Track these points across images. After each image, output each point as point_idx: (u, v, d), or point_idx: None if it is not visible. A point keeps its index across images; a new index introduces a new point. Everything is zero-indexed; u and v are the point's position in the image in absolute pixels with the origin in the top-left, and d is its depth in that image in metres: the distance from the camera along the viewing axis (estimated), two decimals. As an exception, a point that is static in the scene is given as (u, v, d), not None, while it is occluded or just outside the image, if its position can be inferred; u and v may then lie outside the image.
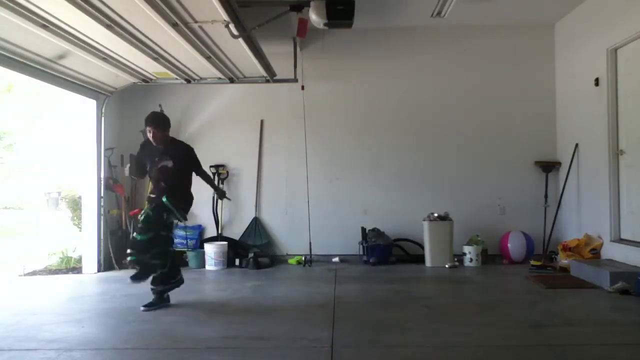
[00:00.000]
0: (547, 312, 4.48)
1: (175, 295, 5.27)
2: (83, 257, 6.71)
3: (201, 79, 6.50)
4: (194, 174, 4.93)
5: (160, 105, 7.13)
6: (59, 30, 4.36)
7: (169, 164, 4.67)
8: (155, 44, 4.93)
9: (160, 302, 4.67)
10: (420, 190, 7.26)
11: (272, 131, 7.42)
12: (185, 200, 4.82)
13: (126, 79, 6.39)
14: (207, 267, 6.76)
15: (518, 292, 5.29)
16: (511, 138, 7.24)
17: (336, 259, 7.12)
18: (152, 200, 4.71)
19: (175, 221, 4.91)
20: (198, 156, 4.94)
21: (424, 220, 6.77)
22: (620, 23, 5.61)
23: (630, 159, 5.67)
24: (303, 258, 6.97)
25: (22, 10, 3.88)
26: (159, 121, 4.72)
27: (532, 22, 7.15)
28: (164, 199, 4.57)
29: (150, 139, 4.69)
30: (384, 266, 6.70)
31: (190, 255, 6.92)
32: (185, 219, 4.96)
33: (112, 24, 4.22)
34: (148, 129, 4.66)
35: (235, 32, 4.48)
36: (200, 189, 7.33)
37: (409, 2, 6.33)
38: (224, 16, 4.13)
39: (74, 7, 3.76)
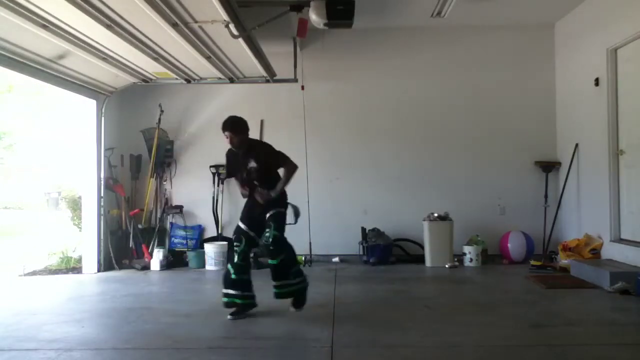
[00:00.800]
0: (547, 312, 4.48)
1: (175, 295, 5.29)
2: (83, 257, 6.71)
3: (201, 79, 6.50)
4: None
5: (160, 105, 7.15)
6: (59, 30, 4.36)
7: (254, 165, 4.44)
8: (155, 44, 4.93)
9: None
10: (420, 190, 7.25)
11: (272, 131, 7.40)
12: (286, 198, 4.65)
13: (126, 79, 6.39)
14: (207, 267, 6.76)
15: (518, 292, 5.28)
16: (511, 138, 7.24)
17: (336, 259, 7.12)
18: (257, 210, 4.47)
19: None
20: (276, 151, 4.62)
21: (424, 220, 6.77)
22: (620, 23, 5.61)
23: (630, 159, 5.67)
24: (303, 258, 6.96)
25: (22, 10, 3.88)
26: (234, 126, 4.44)
27: (532, 22, 7.15)
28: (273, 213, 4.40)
29: (229, 144, 4.46)
30: (384, 266, 6.70)
31: (191, 255, 6.92)
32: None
33: (112, 24, 4.22)
34: (225, 134, 4.41)
35: (235, 32, 4.48)
36: (200, 189, 7.42)
37: (409, 2, 6.33)
38: (224, 16, 4.13)
39: (74, 7, 3.76)
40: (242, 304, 4.32)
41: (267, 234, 4.35)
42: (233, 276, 4.33)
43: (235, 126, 4.43)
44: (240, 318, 4.25)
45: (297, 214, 4.79)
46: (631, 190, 5.67)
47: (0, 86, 14.99)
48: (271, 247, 4.33)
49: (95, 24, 4.14)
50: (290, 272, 4.39)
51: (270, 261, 4.40)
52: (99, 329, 4.15)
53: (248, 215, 4.52)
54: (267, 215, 4.42)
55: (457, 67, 7.30)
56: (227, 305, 4.31)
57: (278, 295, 4.40)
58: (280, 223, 4.49)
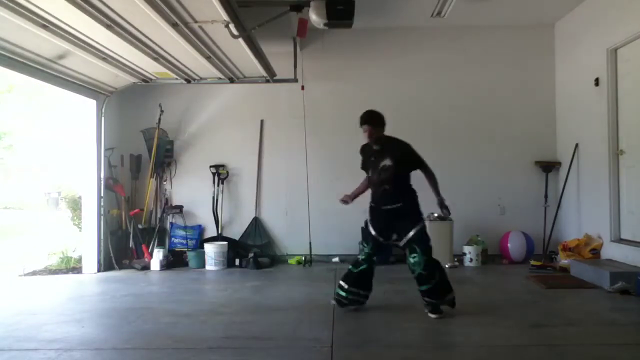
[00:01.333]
0: (547, 312, 4.48)
1: (175, 295, 5.29)
2: (83, 257, 6.71)
3: (201, 79, 6.50)
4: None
5: (160, 105, 7.15)
6: (59, 30, 4.36)
7: (389, 163, 4.32)
8: (155, 44, 4.93)
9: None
10: (420, 190, 7.20)
11: (272, 131, 7.41)
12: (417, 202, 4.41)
13: (126, 79, 6.39)
14: (207, 267, 6.76)
15: (518, 292, 5.28)
16: (511, 138, 7.24)
17: (336, 259, 7.12)
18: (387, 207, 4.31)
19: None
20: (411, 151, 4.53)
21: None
22: (620, 23, 5.61)
23: (630, 159, 5.67)
24: (303, 258, 6.97)
25: (22, 10, 3.88)
26: (372, 119, 4.42)
27: (532, 22, 7.15)
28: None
29: (367, 138, 4.41)
30: (384, 266, 6.68)
31: (191, 255, 6.92)
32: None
33: (112, 24, 4.22)
34: (363, 128, 4.37)
35: (235, 32, 4.48)
36: (200, 189, 7.42)
37: (408, 2, 6.33)
38: (224, 16, 4.13)
39: (74, 7, 3.76)
40: (348, 297, 4.36)
41: (414, 260, 4.13)
42: (351, 268, 4.42)
43: (374, 119, 4.39)
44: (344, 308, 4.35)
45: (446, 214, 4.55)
46: (631, 190, 5.67)
47: (1, 86, 14.99)
48: (423, 272, 4.14)
49: (95, 24, 4.14)
50: (447, 287, 4.23)
51: (421, 288, 4.19)
52: (99, 329, 4.15)
53: (377, 222, 4.38)
54: (410, 234, 4.18)
55: (457, 67, 7.30)
56: (337, 296, 4.40)
57: (436, 310, 4.19)
58: (426, 244, 4.23)
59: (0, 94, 15.48)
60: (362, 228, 4.49)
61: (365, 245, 4.40)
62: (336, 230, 7.20)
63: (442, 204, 4.38)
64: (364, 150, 4.58)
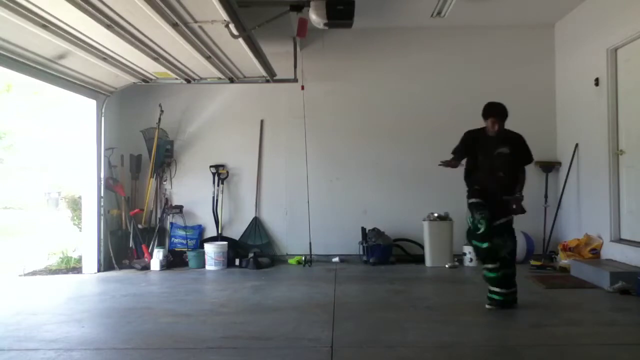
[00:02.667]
0: (547, 312, 4.48)
1: (175, 295, 5.28)
2: (83, 257, 6.71)
3: (201, 79, 6.50)
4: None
5: (160, 105, 7.15)
6: (59, 30, 4.35)
7: (506, 150, 4.55)
8: (155, 44, 4.92)
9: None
10: (420, 190, 7.25)
11: (272, 131, 7.42)
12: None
13: (126, 79, 6.39)
14: (207, 267, 6.76)
15: (518, 292, 5.27)
16: (511, 138, 7.23)
17: (336, 259, 7.12)
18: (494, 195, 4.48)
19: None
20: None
21: (424, 220, 6.77)
22: (620, 23, 5.61)
23: (630, 159, 5.67)
24: (303, 258, 6.97)
25: (22, 10, 3.88)
26: (502, 111, 4.59)
27: (532, 22, 7.15)
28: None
29: (490, 129, 4.56)
30: (384, 266, 6.70)
31: (190, 255, 6.91)
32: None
33: (112, 24, 4.22)
34: (491, 120, 4.53)
35: (235, 32, 4.48)
36: (200, 189, 7.42)
37: (408, 2, 6.33)
38: (224, 16, 4.13)
39: (74, 7, 3.76)
40: (501, 300, 4.40)
41: (506, 244, 4.42)
42: (484, 245, 4.42)
43: (503, 112, 4.56)
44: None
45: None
46: (631, 190, 5.67)
47: (1, 87, 14.99)
48: (508, 257, 4.41)
49: (95, 24, 4.14)
50: (514, 279, 4.47)
51: (501, 272, 4.39)
52: (99, 329, 4.15)
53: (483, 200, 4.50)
54: (504, 220, 4.47)
55: (457, 67, 7.30)
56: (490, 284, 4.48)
57: (504, 303, 4.40)
58: (514, 235, 4.55)
59: (0, 94, 15.46)
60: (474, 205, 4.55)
61: (483, 213, 4.42)
62: (336, 230, 7.20)
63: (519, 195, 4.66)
64: (470, 137, 4.72)
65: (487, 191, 4.53)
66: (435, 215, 6.74)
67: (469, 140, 4.69)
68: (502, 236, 4.42)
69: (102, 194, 6.67)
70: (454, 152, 4.70)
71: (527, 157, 4.74)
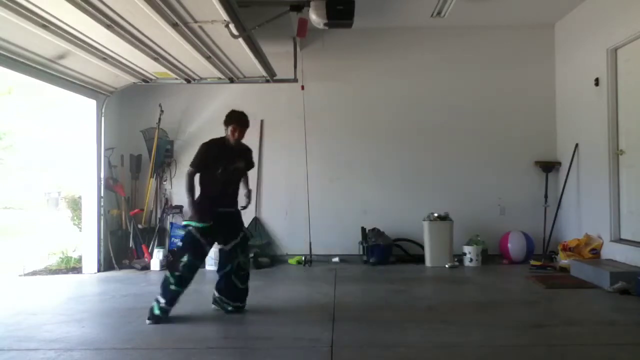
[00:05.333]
0: (547, 312, 4.48)
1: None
2: (83, 257, 6.71)
3: (201, 79, 6.50)
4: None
5: (160, 105, 7.15)
6: (59, 30, 4.36)
7: (241, 165, 4.51)
8: (155, 44, 4.93)
9: None
10: (420, 190, 7.26)
11: (272, 131, 7.41)
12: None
13: (126, 79, 6.39)
14: (207, 267, 6.74)
15: (518, 292, 5.29)
16: (511, 138, 7.24)
17: (336, 259, 7.12)
18: (226, 211, 4.36)
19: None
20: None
21: (424, 220, 6.77)
22: (620, 23, 5.61)
23: (630, 159, 5.67)
24: (303, 258, 6.97)
25: (22, 10, 3.88)
26: (246, 121, 4.46)
27: (532, 22, 7.15)
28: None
29: (233, 138, 4.36)
30: (384, 266, 6.70)
31: (190, 255, 6.90)
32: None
33: (112, 24, 4.22)
34: (232, 127, 4.33)
35: (235, 32, 4.48)
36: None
37: (409, 2, 6.33)
38: (224, 16, 4.13)
39: (74, 7, 3.76)
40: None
41: (243, 260, 4.42)
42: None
43: (247, 121, 4.47)
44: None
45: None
46: (631, 190, 5.68)
47: (0, 87, 14.98)
48: (242, 273, 4.42)
49: (95, 24, 4.14)
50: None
51: (241, 286, 4.42)
52: (99, 329, 4.14)
53: (213, 229, 4.26)
54: (239, 237, 4.40)
55: (457, 67, 7.30)
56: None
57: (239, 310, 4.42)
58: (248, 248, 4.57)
59: (0, 95, 15.46)
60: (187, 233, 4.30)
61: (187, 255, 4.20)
62: (336, 230, 7.20)
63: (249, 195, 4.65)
64: (212, 149, 4.38)
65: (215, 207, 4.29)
66: (435, 215, 6.74)
67: (210, 151, 4.36)
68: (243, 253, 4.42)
69: (102, 194, 6.67)
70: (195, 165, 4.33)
71: (247, 172, 4.70)
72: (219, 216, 4.29)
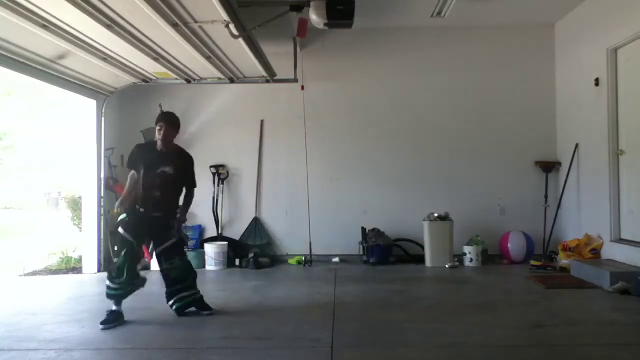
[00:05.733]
0: (547, 312, 4.48)
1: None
2: (83, 257, 6.71)
3: (201, 79, 6.50)
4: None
5: (160, 105, 7.14)
6: (59, 30, 4.35)
7: (169, 170, 4.30)
8: (155, 44, 4.93)
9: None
10: (420, 190, 7.26)
11: (272, 131, 7.42)
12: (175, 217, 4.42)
13: (126, 79, 6.39)
14: (207, 267, 6.76)
15: (518, 292, 5.29)
16: (511, 138, 7.24)
17: (336, 259, 7.12)
18: (152, 215, 4.26)
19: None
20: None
21: (424, 220, 6.77)
22: (620, 23, 5.61)
23: (630, 159, 5.67)
24: (303, 258, 6.97)
25: (22, 10, 3.88)
26: (173, 119, 4.38)
27: (532, 22, 7.15)
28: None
29: (159, 138, 4.29)
30: (384, 266, 6.70)
31: (190, 255, 6.86)
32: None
33: (112, 24, 4.22)
34: (160, 125, 4.27)
35: (235, 32, 4.48)
36: (200, 189, 7.38)
37: (409, 2, 6.33)
38: (224, 16, 4.13)
39: (74, 7, 3.76)
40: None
41: (166, 267, 4.34)
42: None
43: (174, 120, 4.36)
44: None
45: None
46: (631, 190, 5.67)
47: (1, 88, 14.99)
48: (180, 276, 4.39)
49: (95, 24, 4.14)
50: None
51: (176, 286, 4.39)
52: (99, 329, 4.14)
53: (136, 226, 4.23)
54: (169, 243, 4.32)
55: (457, 67, 7.30)
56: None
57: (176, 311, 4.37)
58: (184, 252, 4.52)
59: (0, 96, 15.47)
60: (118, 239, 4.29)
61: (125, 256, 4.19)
62: (336, 230, 7.20)
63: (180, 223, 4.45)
64: (139, 150, 4.42)
65: (140, 219, 4.25)
66: (435, 215, 6.74)
67: (136, 152, 4.40)
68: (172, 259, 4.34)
69: (102, 194, 6.67)
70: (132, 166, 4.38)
71: (189, 181, 4.56)
72: (143, 218, 4.26)
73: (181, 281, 4.39)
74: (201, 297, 4.48)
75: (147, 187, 4.26)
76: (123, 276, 4.14)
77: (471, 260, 6.67)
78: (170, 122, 4.36)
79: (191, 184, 4.56)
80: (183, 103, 7.42)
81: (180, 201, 4.52)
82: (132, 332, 3.95)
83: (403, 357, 3.35)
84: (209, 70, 5.91)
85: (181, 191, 4.53)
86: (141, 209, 4.26)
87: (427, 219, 6.75)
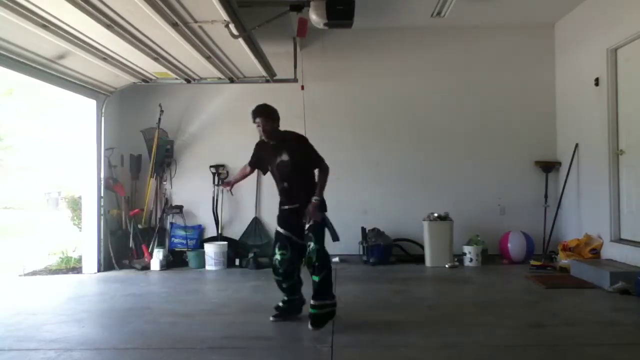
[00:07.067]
0: (547, 312, 4.48)
1: (175, 295, 5.29)
2: (83, 257, 6.71)
3: (201, 79, 6.50)
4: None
5: (160, 105, 7.15)
6: (59, 30, 4.35)
7: (285, 158, 4.13)
8: (155, 44, 4.93)
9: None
10: (420, 190, 7.25)
11: (272, 131, 7.40)
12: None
13: (126, 79, 6.39)
14: (207, 267, 6.76)
15: (518, 292, 5.29)
16: (511, 138, 7.24)
17: (336, 259, 7.10)
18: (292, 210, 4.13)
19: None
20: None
21: (424, 220, 6.77)
22: (620, 23, 5.61)
23: (630, 159, 5.67)
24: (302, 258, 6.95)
25: (22, 10, 3.88)
26: (266, 111, 4.21)
27: (532, 22, 7.15)
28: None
29: (261, 134, 4.21)
30: (384, 266, 6.70)
31: (190, 255, 6.91)
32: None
33: (112, 24, 4.22)
34: (256, 122, 4.16)
35: (235, 32, 4.48)
36: (200, 189, 7.41)
37: (409, 2, 6.33)
38: (224, 16, 4.13)
39: (74, 7, 3.75)
40: (284, 307, 4.25)
41: (310, 248, 4.00)
42: (283, 285, 4.25)
43: (267, 111, 4.19)
44: (279, 320, 4.15)
45: (333, 236, 4.26)
46: (631, 190, 5.67)
47: (1, 88, 14.99)
48: (316, 263, 3.97)
49: (95, 24, 4.14)
50: (329, 292, 4.05)
51: (313, 277, 4.02)
52: (99, 329, 4.15)
53: (285, 222, 4.20)
54: (307, 225, 4.05)
55: (457, 67, 7.30)
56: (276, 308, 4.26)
57: (315, 317, 3.90)
58: (321, 234, 4.11)
59: (0, 96, 15.48)
60: (277, 237, 4.28)
61: (285, 252, 4.15)
62: (336, 229, 7.17)
63: (314, 199, 4.10)
64: (258, 146, 4.44)
65: (286, 215, 4.20)
66: (435, 215, 6.74)
67: (256, 148, 4.41)
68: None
69: (102, 194, 6.67)
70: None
71: (312, 160, 4.20)
72: (287, 211, 4.23)
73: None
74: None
75: (277, 182, 4.26)
76: (280, 271, 4.14)
77: (471, 260, 6.67)
78: (265, 114, 4.17)
79: (317, 161, 4.19)
80: (183, 103, 7.42)
81: None
82: (132, 332, 3.95)
83: (403, 357, 3.35)
84: (209, 70, 5.91)
85: (311, 174, 4.26)
86: (284, 206, 4.24)
87: (427, 219, 6.75)
